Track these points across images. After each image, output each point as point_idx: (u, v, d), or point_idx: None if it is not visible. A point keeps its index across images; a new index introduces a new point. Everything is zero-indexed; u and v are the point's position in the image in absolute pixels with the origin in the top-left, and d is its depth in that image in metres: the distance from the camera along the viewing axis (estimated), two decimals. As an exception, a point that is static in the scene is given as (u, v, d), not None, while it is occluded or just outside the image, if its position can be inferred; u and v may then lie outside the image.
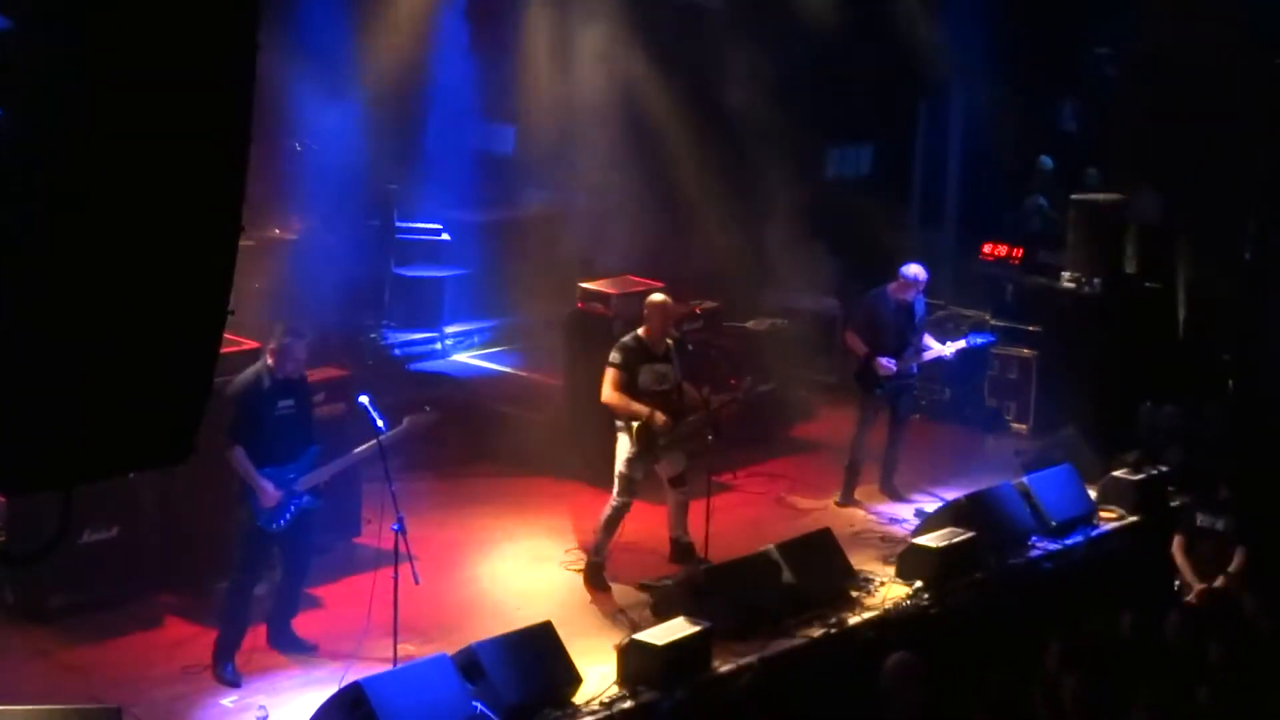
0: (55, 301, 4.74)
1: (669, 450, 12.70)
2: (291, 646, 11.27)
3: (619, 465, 12.65)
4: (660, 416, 12.51)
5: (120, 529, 11.73)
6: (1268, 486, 14.20)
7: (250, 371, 11.01)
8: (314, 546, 11.44)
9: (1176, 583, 13.49)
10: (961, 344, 14.93)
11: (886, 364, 14.41)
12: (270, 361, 10.95)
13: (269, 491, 10.75)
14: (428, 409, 11.37)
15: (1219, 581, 13.19)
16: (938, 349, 14.78)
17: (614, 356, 12.61)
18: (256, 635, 11.11)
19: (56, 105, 4.62)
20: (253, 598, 11.10)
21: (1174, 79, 16.91)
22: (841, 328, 17.09)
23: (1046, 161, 20.70)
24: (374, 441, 10.92)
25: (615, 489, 12.67)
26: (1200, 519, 13.65)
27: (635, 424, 12.52)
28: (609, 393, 12.56)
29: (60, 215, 4.65)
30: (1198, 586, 13.29)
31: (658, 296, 13.06)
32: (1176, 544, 13.64)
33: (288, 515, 10.89)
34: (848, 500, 14.72)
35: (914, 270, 14.54)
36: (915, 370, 14.80)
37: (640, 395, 12.54)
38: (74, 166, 4.63)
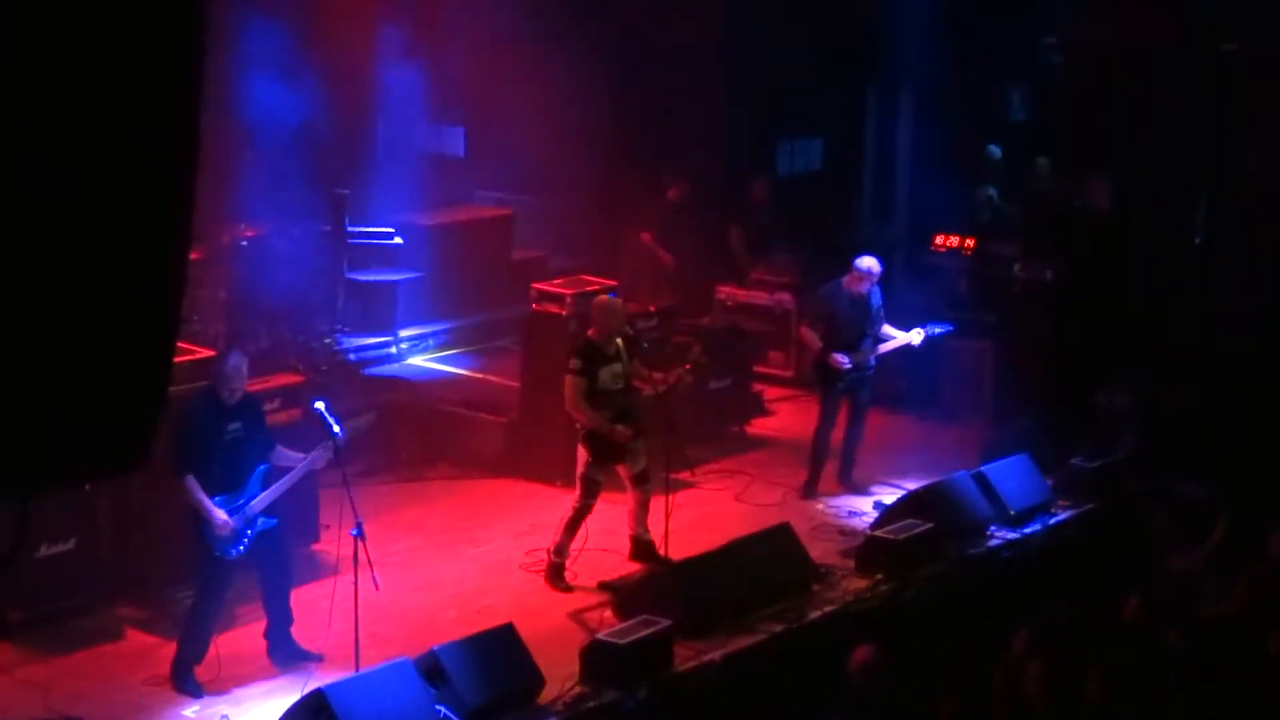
0: (1, 313, 4.71)
1: (630, 450, 12.71)
2: (294, 658, 11.15)
3: (581, 467, 12.65)
4: (622, 432, 12.54)
5: (77, 541, 11.66)
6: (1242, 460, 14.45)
7: (195, 398, 10.93)
8: (287, 559, 11.39)
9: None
10: (921, 333, 14.92)
11: (840, 359, 14.43)
12: (215, 386, 10.87)
13: (222, 521, 10.69)
14: (366, 411, 11.34)
15: (1204, 548, 13.40)
16: (903, 338, 14.79)
17: (573, 363, 12.61)
18: (219, 645, 11.05)
19: None
20: (215, 617, 11.04)
21: (1120, 66, 16.99)
22: (796, 322, 17.17)
23: (995, 151, 20.76)
24: (316, 452, 10.91)
25: (578, 490, 12.67)
26: (1185, 489, 13.84)
27: (592, 434, 12.55)
28: (572, 401, 12.56)
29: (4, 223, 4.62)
30: (1181, 559, 13.46)
31: (604, 298, 13.10)
32: (1160, 517, 13.81)
33: (245, 540, 10.83)
34: (811, 492, 14.74)
35: (867, 263, 14.56)
36: (874, 362, 14.79)
37: (601, 395, 12.55)
38: (8, 175, 4.59)
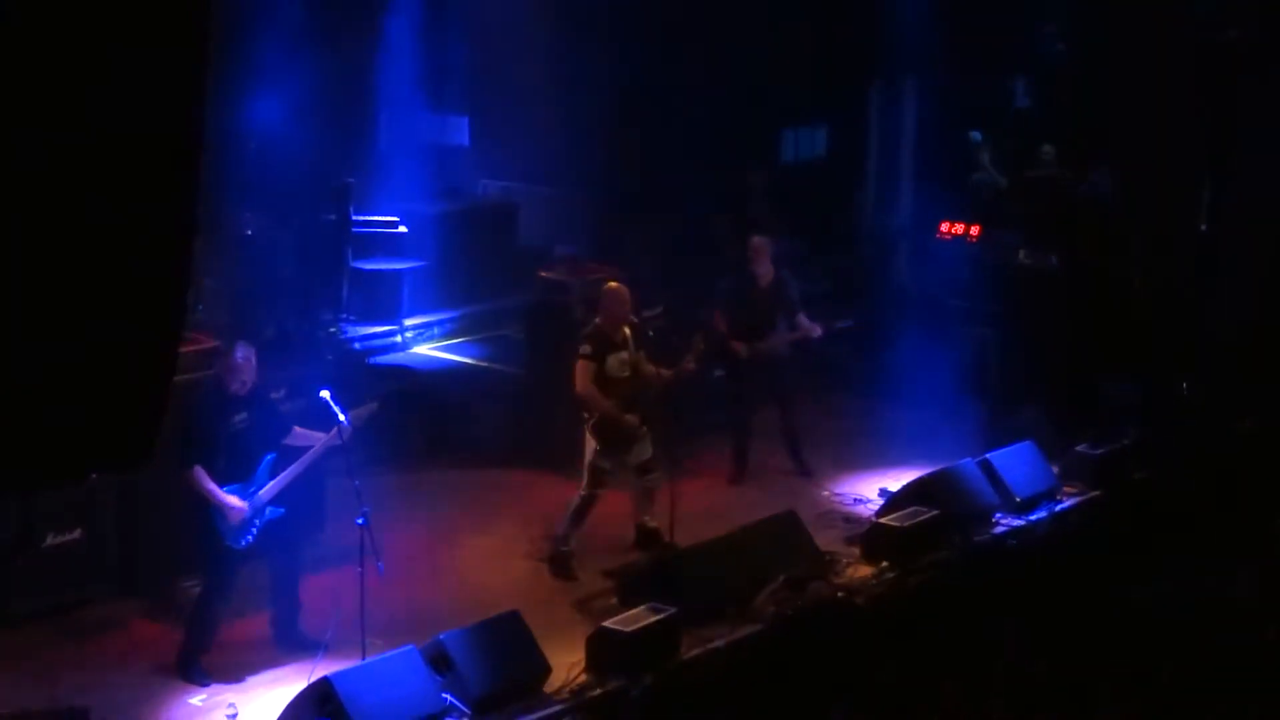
0: (10, 305, 4.72)
1: (637, 438, 12.72)
2: (300, 646, 11.14)
3: (588, 456, 12.65)
4: (630, 418, 12.55)
5: (83, 531, 11.67)
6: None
7: (201, 389, 10.96)
8: (296, 547, 11.39)
9: None
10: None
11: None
12: (223, 377, 10.88)
13: (235, 507, 10.71)
14: (369, 401, 11.36)
15: None
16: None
17: (584, 348, 12.61)
18: (225, 633, 11.06)
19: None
20: (223, 607, 11.05)
21: (1121, 55, 16.97)
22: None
23: (975, 136, 20.72)
24: (322, 442, 10.93)
25: (584, 480, 12.67)
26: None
27: (601, 421, 12.55)
28: (583, 385, 12.56)
29: (12, 219, 4.63)
30: None
31: (612, 285, 13.09)
32: None
33: (254, 530, 10.85)
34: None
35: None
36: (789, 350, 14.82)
37: (610, 382, 12.57)
38: (25, 175, 4.61)
